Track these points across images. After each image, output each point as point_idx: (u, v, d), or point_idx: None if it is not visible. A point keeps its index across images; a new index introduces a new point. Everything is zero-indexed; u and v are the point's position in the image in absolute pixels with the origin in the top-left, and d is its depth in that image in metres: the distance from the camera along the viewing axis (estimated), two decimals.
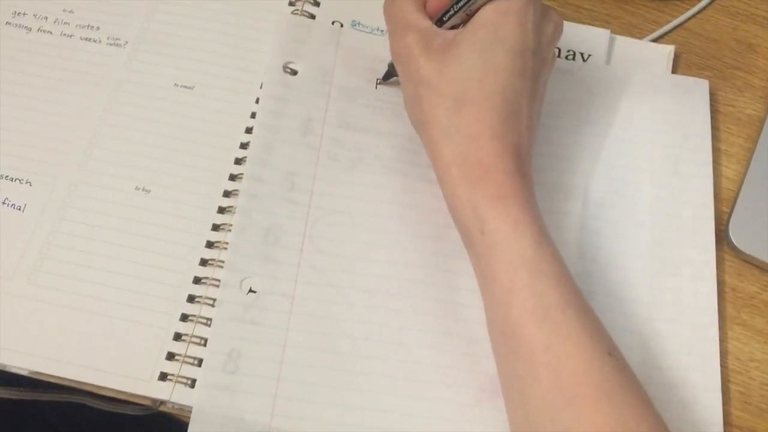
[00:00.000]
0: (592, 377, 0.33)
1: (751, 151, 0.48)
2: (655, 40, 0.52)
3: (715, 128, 0.48)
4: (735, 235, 0.45)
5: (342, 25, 0.49)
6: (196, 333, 0.40)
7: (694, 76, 0.50)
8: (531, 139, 0.39)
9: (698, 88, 0.49)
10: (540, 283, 0.34)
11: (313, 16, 0.49)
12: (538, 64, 0.39)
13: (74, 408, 0.39)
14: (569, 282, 0.35)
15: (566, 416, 0.32)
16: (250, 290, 0.41)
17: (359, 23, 0.49)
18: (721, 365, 0.41)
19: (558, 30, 0.41)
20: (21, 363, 0.39)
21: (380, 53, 0.48)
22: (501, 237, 0.35)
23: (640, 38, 0.52)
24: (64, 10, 0.49)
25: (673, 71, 0.50)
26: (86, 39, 0.48)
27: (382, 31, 0.49)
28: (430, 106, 0.38)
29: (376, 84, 0.47)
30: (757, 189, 0.46)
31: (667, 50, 0.51)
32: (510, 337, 0.35)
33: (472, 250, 0.38)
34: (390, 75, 0.47)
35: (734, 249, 0.45)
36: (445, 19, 0.40)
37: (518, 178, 0.36)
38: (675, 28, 0.53)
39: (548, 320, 0.34)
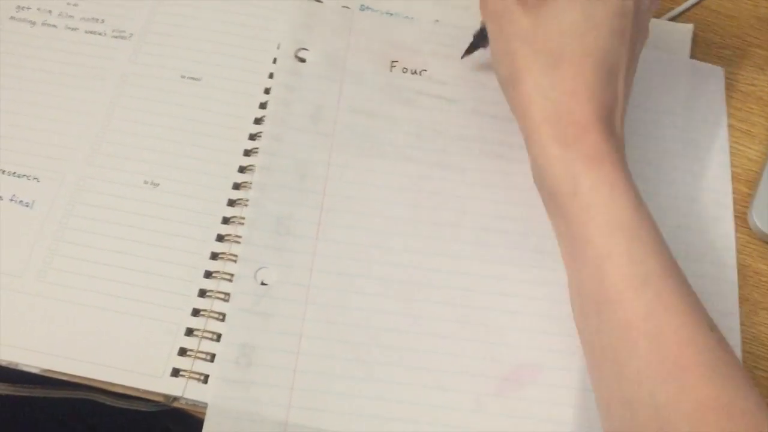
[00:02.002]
0: (695, 349, 0.31)
1: None
2: (672, 19, 0.51)
3: (736, 108, 0.48)
4: (758, 217, 0.44)
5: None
6: (208, 328, 0.39)
7: (713, 55, 0.49)
8: (625, 105, 0.38)
9: (713, 75, 0.48)
10: (638, 248, 0.33)
11: (320, 1, 0.48)
12: (636, 31, 0.38)
13: (86, 404, 0.39)
14: (667, 250, 0.34)
15: (668, 387, 0.31)
16: (263, 282, 0.40)
17: (368, 8, 0.49)
18: (746, 351, 0.40)
19: (655, 2, 0.40)
20: (32, 361, 0.38)
21: (395, 36, 0.47)
22: (597, 199, 0.34)
23: (659, 18, 0.50)
24: (68, 4, 0.48)
25: (692, 50, 0.50)
26: (91, 32, 0.48)
27: (391, 14, 0.48)
28: (525, 62, 0.37)
29: (462, 56, 0.46)
30: None
31: (686, 29, 0.50)
32: (604, 305, 0.33)
33: (558, 214, 0.36)
34: (475, 47, 0.45)
35: (758, 231, 0.43)
36: None
37: (613, 141, 0.35)
38: (693, 6, 0.51)
39: (648, 288, 0.32)
